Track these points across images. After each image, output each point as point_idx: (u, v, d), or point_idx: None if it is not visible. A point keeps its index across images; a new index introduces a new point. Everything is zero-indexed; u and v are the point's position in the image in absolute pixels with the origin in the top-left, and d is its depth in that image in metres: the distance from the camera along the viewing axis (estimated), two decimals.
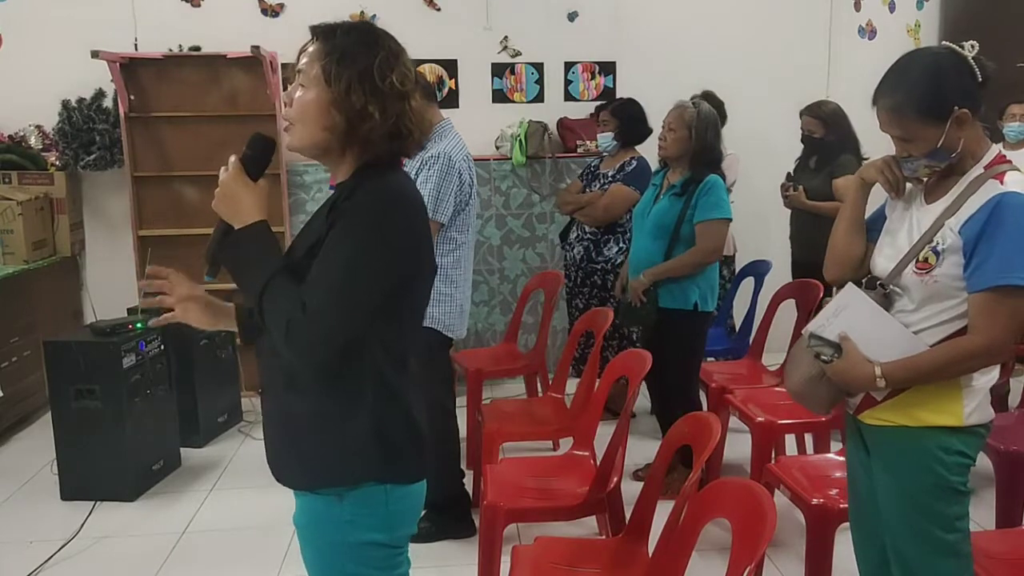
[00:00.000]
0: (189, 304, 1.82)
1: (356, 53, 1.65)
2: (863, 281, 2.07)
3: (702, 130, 3.58)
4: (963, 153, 1.94)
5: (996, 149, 1.99)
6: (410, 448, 1.74)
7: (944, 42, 1.99)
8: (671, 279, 3.59)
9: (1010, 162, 1.96)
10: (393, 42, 1.73)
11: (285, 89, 1.78)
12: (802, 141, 4.73)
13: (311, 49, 1.68)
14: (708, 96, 4.88)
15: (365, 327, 1.63)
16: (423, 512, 3.39)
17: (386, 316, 1.66)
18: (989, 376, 2.00)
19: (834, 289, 2.21)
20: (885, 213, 2.17)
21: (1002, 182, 1.89)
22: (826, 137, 4.56)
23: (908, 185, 2.10)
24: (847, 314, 2.03)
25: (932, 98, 1.90)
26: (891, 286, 2.01)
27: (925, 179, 2.04)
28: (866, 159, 4.27)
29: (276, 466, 1.78)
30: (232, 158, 1.71)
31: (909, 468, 2.00)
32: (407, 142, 1.71)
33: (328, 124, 1.66)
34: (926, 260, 1.93)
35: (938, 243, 1.92)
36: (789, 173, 4.81)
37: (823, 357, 2.03)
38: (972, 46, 1.92)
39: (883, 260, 2.07)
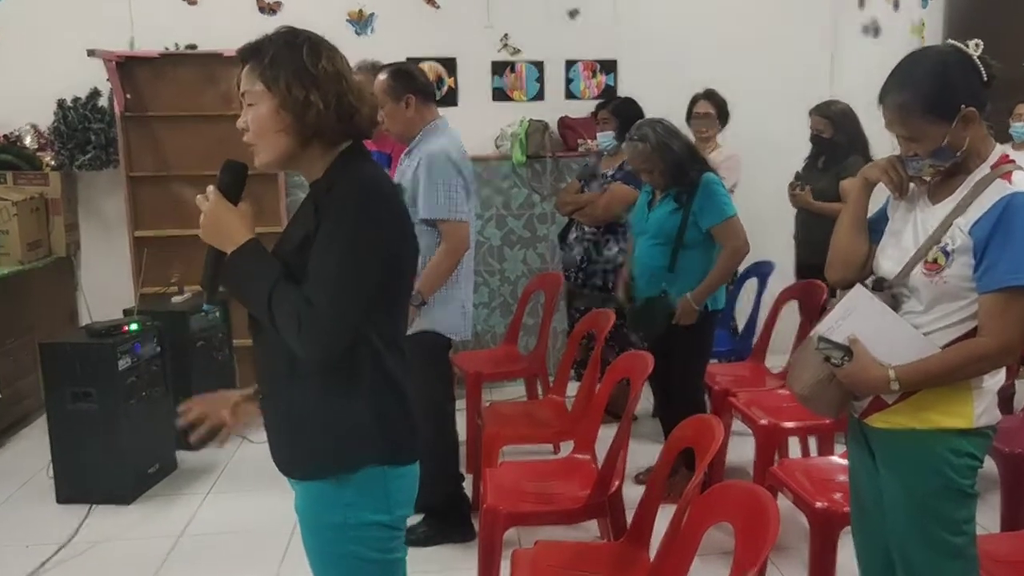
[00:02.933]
0: (237, 410, 1.94)
1: (283, 54, 1.74)
2: (870, 283, 2.06)
3: (665, 151, 3.54)
4: (968, 152, 1.94)
5: (1000, 149, 1.99)
6: (406, 429, 1.84)
7: (950, 40, 1.99)
8: (684, 290, 3.57)
9: (1014, 162, 1.96)
10: (312, 33, 1.81)
11: None
12: (811, 141, 4.71)
13: (245, 71, 1.78)
14: (710, 95, 4.88)
15: (366, 314, 1.72)
16: (422, 516, 3.42)
17: (379, 301, 1.75)
18: (997, 378, 2.00)
19: (838, 291, 2.19)
20: (887, 214, 2.17)
21: (1010, 182, 1.89)
22: (835, 137, 4.54)
23: (911, 185, 2.09)
24: (856, 316, 2.02)
25: (939, 97, 1.90)
26: (898, 287, 2.00)
27: (929, 179, 2.03)
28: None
29: (282, 458, 1.85)
30: (210, 188, 1.79)
31: (918, 471, 2.00)
32: (356, 119, 1.78)
33: (281, 126, 1.74)
34: (935, 261, 1.92)
35: (947, 243, 1.91)
36: (798, 172, 4.78)
37: (833, 360, 2.01)
38: (977, 45, 1.92)
39: (887, 261, 2.06)
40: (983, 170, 1.94)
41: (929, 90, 1.90)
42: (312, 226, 1.72)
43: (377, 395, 1.77)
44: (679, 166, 3.56)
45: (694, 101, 4.91)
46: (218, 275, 1.81)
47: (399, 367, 1.81)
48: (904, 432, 2.00)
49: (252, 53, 1.77)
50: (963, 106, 1.89)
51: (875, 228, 2.18)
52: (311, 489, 1.81)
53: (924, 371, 1.93)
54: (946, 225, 1.93)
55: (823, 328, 2.07)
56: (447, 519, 3.45)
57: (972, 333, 1.92)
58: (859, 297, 2.04)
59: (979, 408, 1.96)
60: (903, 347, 1.95)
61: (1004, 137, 4.84)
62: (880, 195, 2.17)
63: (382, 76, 3.30)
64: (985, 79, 1.92)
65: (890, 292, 2.00)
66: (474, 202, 3.42)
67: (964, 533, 2.00)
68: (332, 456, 1.77)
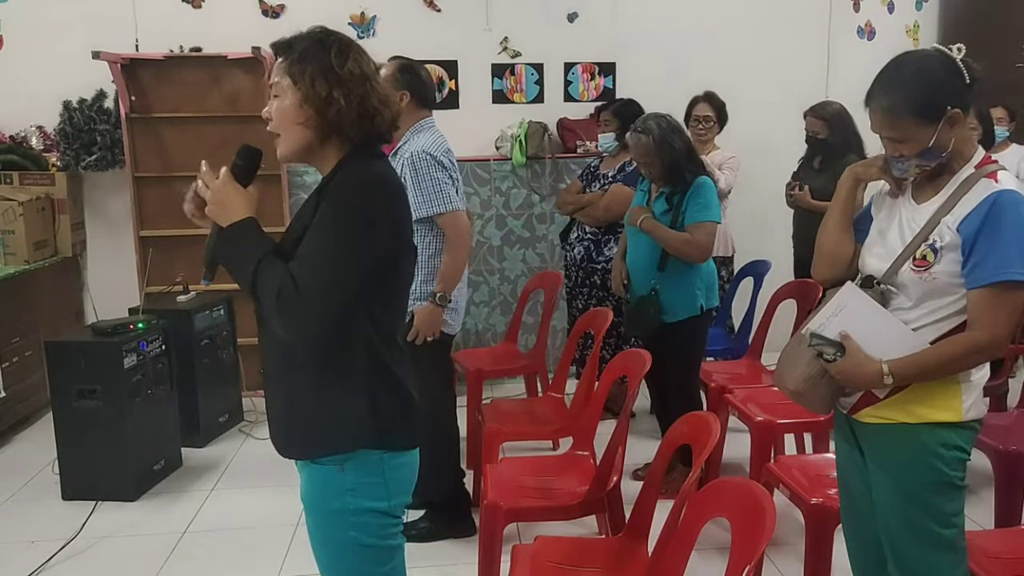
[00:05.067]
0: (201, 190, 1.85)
1: (312, 51, 1.80)
2: (859, 280, 2.10)
3: (665, 147, 3.56)
4: (952, 153, 1.98)
5: (983, 151, 2.04)
6: (403, 417, 1.88)
7: (934, 44, 2.04)
8: (676, 289, 3.61)
9: (997, 162, 2.00)
10: (344, 36, 1.87)
11: None
12: (806, 142, 4.74)
13: (276, 64, 1.84)
14: (709, 97, 4.91)
15: (352, 301, 1.76)
16: (423, 512, 3.46)
17: (375, 292, 1.80)
18: (983, 372, 2.05)
19: (827, 289, 2.23)
20: (871, 214, 2.21)
21: (996, 180, 1.93)
22: (830, 138, 4.57)
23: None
24: (847, 313, 2.05)
25: (926, 99, 1.93)
26: (887, 285, 2.03)
27: (913, 178, 2.07)
28: None
29: (279, 439, 1.92)
30: (223, 169, 1.84)
31: (909, 464, 2.03)
32: (377, 121, 1.83)
33: (302, 119, 1.80)
34: (924, 257, 1.96)
35: (935, 241, 1.95)
36: (794, 173, 4.82)
37: (826, 356, 2.04)
38: (959, 48, 1.97)
39: (874, 260, 2.10)
40: (967, 170, 1.98)
41: (917, 93, 1.94)
42: (311, 215, 1.79)
43: (372, 384, 1.82)
44: (676, 164, 3.58)
45: (693, 103, 4.93)
46: (216, 248, 1.85)
47: (396, 360, 1.87)
48: (894, 426, 2.03)
49: (284, 48, 1.83)
50: (949, 108, 1.93)
51: (859, 228, 2.23)
52: (315, 475, 1.88)
53: (917, 365, 1.96)
54: (934, 223, 1.97)
55: (815, 324, 2.09)
56: (448, 514, 3.47)
57: (958, 328, 1.96)
58: (850, 294, 2.07)
59: (967, 402, 2.00)
60: (893, 342, 1.99)
61: (989, 140, 4.85)
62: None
63: (387, 69, 3.31)
64: (968, 81, 1.95)
65: (879, 289, 2.04)
66: (462, 197, 3.42)
67: (954, 526, 2.04)
68: (325, 436, 1.83)
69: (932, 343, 1.97)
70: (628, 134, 3.74)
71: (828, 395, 2.10)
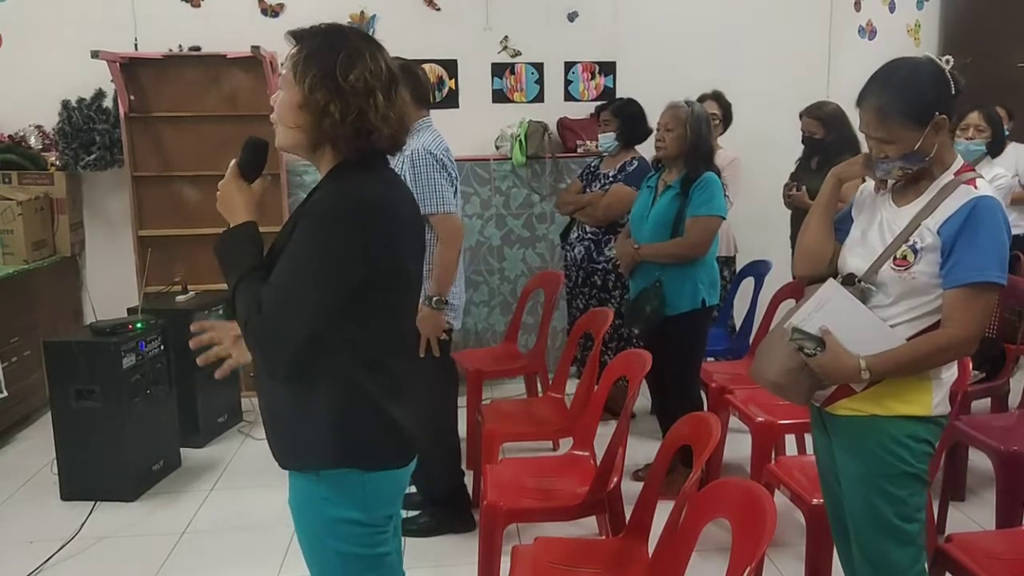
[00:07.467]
0: (240, 343, 1.92)
1: (320, 53, 1.72)
2: (840, 278, 2.18)
3: (697, 127, 3.62)
4: (934, 159, 2.08)
5: (962, 159, 2.14)
6: (381, 438, 1.81)
7: (926, 54, 2.14)
8: (679, 281, 3.60)
9: (974, 170, 2.10)
10: (361, 40, 1.78)
11: None
12: (803, 142, 4.74)
13: (290, 52, 1.78)
14: (717, 96, 4.92)
15: (320, 327, 1.71)
16: (424, 507, 3.45)
17: (355, 317, 1.73)
18: (952, 371, 2.16)
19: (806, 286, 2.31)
20: (852, 215, 2.31)
21: (975, 187, 2.03)
22: (826, 138, 4.57)
23: (872, 188, 2.26)
24: (828, 309, 2.13)
25: (916, 103, 2.04)
26: (867, 282, 2.12)
27: (894, 182, 2.17)
28: None
29: (268, 440, 1.89)
30: (232, 163, 1.84)
31: (877, 455, 2.11)
32: (374, 138, 1.75)
33: (298, 123, 1.75)
34: (904, 257, 2.06)
35: (916, 242, 2.05)
36: (792, 173, 4.81)
37: (807, 350, 2.11)
38: (947, 60, 2.07)
39: (854, 259, 2.19)
40: (947, 176, 2.08)
41: (908, 96, 2.03)
42: (289, 231, 1.74)
43: (341, 406, 1.76)
44: (696, 148, 3.62)
45: (700, 100, 4.91)
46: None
47: (381, 383, 1.79)
48: (865, 418, 2.12)
49: (298, 38, 1.77)
50: (936, 113, 2.02)
51: (840, 228, 2.32)
52: (296, 482, 1.86)
53: (893, 360, 2.05)
54: (914, 225, 2.06)
55: (798, 319, 2.16)
56: (448, 510, 3.47)
57: (932, 327, 2.05)
58: (832, 291, 2.14)
59: (937, 397, 2.11)
60: (871, 338, 2.08)
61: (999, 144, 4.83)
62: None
63: None
64: (954, 92, 2.05)
65: (859, 287, 2.12)
66: (460, 198, 3.43)
67: (916, 520, 2.13)
68: (296, 451, 1.82)
69: (907, 340, 2.06)
70: (670, 102, 3.75)
71: (807, 387, 2.18)
